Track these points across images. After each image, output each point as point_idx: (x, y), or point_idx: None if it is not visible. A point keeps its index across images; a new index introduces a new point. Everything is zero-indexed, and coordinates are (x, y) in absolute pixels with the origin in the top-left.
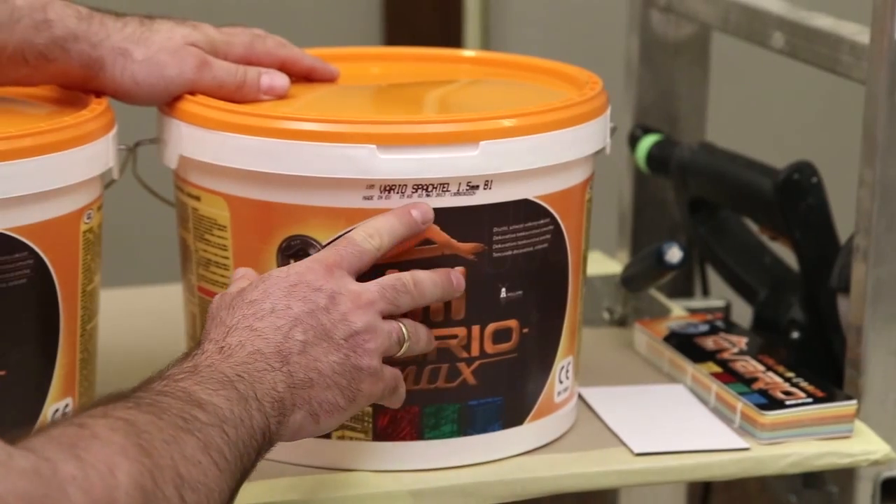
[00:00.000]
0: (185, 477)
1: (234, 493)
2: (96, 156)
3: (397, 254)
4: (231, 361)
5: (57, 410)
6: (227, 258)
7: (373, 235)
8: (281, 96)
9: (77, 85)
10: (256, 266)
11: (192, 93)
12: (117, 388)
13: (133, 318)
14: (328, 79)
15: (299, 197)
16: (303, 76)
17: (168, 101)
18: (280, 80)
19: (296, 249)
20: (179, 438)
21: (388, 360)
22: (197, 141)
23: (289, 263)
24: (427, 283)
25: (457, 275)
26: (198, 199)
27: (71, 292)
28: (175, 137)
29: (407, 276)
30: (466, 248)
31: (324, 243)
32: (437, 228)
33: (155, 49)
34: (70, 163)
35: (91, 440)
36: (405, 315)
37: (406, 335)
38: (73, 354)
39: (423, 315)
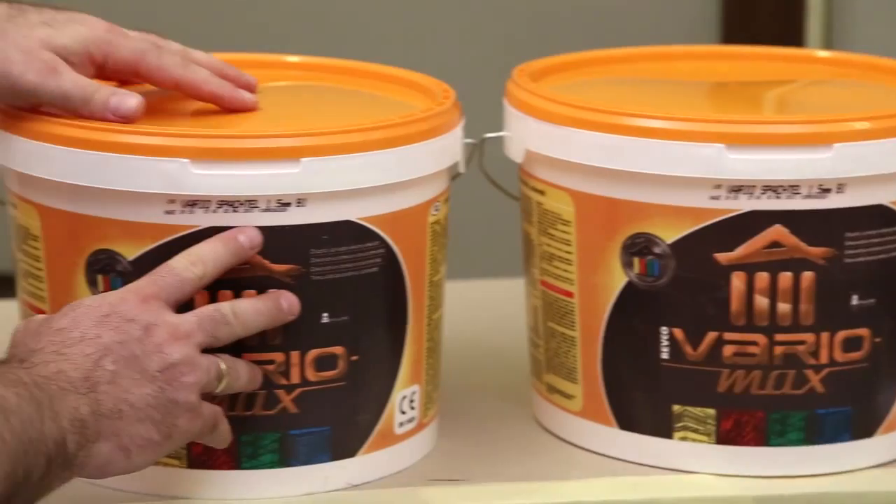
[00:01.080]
0: None
1: (13, 489)
2: (445, 149)
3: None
4: (31, 371)
5: (405, 397)
6: (570, 253)
7: (195, 263)
8: (128, 119)
9: None
10: (596, 262)
11: (38, 99)
12: (459, 379)
13: (476, 310)
14: (240, 109)
15: (644, 194)
16: (206, 101)
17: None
18: (130, 102)
19: (640, 247)
20: None
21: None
22: (544, 135)
23: (631, 262)
24: (249, 312)
25: (289, 298)
26: (542, 193)
27: (419, 282)
28: (522, 132)
29: (226, 307)
30: (817, 252)
31: (668, 242)
32: None
33: (6, 43)
34: (421, 155)
35: None
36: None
37: (224, 370)
38: (420, 343)
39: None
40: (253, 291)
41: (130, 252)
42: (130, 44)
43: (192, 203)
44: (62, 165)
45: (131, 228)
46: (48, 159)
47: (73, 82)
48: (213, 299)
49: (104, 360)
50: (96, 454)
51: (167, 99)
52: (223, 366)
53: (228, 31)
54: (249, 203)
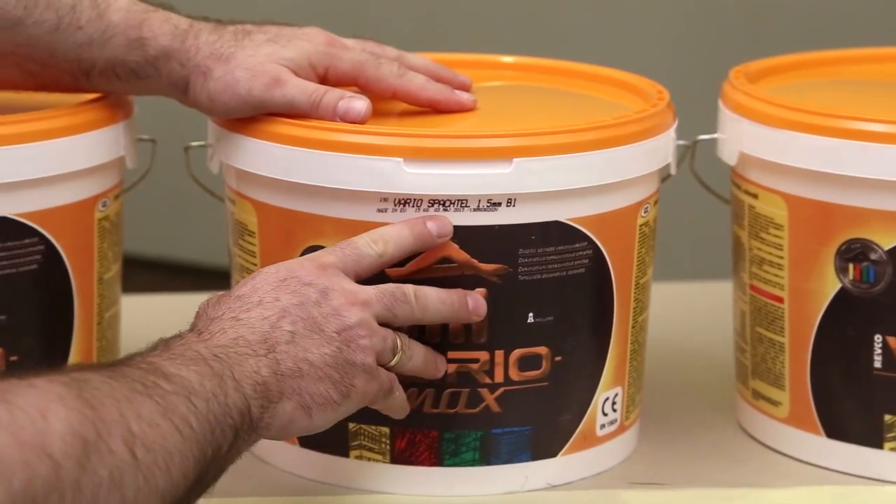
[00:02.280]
0: (137, 435)
1: (204, 468)
2: (657, 151)
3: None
4: (209, 343)
5: (607, 399)
6: (781, 258)
7: (377, 241)
8: (358, 122)
9: (168, 95)
10: (808, 267)
11: (268, 110)
12: (663, 382)
13: (682, 313)
14: (457, 110)
15: (862, 199)
16: (425, 107)
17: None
18: (358, 105)
19: (855, 253)
20: (135, 399)
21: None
22: (759, 138)
23: (846, 268)
24: (431, 297)
25: (476, 299)
26: (755, 196)
27: (625, 284)
28: (736, 134)
29: (409, 287)
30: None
31: (886, 248)
32: None
33: (233, 66)
34: (632, 157)
35: (26, 388)
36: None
37: (399, 345)
38: (624, 345)
39: None
40: None
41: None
42: (350, 56)
43: (405, 202)
44: (279, 163)
45: (344, 226)
46: (266, 157)
47: (299, 89)
48: None
49: (282, 321)
50: (280, 414)
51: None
52: (399, 340)
53: (441, 32)
54: (460, 202)
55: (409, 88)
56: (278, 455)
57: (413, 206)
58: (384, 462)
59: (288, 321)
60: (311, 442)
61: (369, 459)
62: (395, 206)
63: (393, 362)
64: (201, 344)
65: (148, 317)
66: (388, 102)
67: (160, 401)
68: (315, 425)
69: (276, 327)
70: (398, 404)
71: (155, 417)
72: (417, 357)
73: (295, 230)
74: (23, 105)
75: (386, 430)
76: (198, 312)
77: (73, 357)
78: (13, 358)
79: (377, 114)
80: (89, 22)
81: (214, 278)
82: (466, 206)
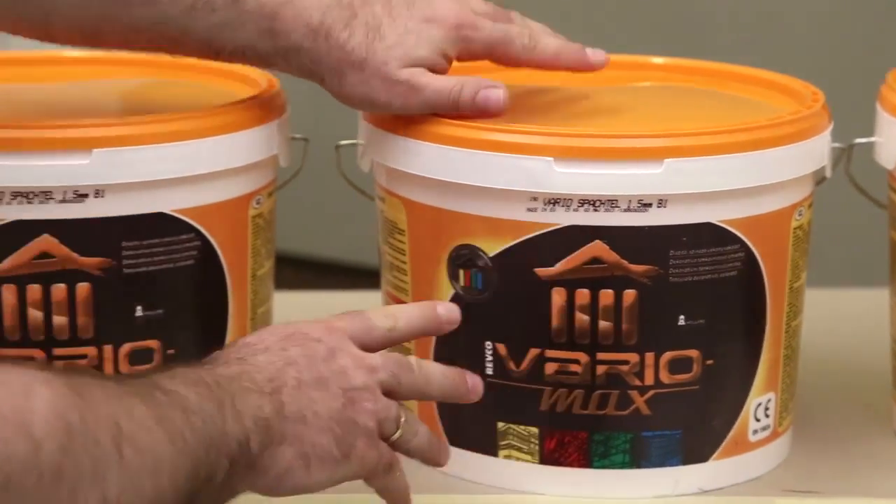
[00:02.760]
0: (126, 433)
1: (196, 489)
2: (811, 153)
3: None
4: (212, 371)
5: (759, 404)
6: None
7: (388, 316)
8: (495, 114)
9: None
10: None
11: (409, 115)
12: (816, 389)
13: (836, 319)
14: (591, 69)
15: None
16: (558, 70)
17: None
18: (495, 94)
19: None
20: (127, 400)
21: None
22: None
23: None
24: (435, 370)
25: (474, 381)
26: None
27: (778, 287)
28: (894, 137)
29: (413, 358)
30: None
31: None
32: None
33: (368, 74)
34: (786, 159)
35: (11, 367)
36: None
37: (403, 420)
38: (777, 350)
39: None
40: (610, 292)
41: (492, 248)
42: (480, 35)
43: (554, 201)
44: (431, 161)
45: (494, 225)
46: (417, 155)
47: (436, 91)
48: (570, 297)
49: (289, 368)
50: (280, 458)
51: (530, 94)
52: (404, 415)
53: (593, 33)
54: (610, 202)
55: (543, 59)
56: None
57: (563, 206)
58: (533, 462)
59: (294, 369)
60: (460, 439)
61: (518, 459)
62: (545, 205)
63: (396, 436)
64: (204, 371)
65: (297, 314)
66: (531, 98)
67: (155, 408)
68: (311, 482)
69: (283, 372)
70: (400, 487)
71: (147, 421)
72: (422, 435)
73: (444, 228)
74: (178, 103)
75: (535, 430)
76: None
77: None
78: (170, 351)
79: (523, 112)
80: (224, 6)
81: (359, 276)
82: (616, 207)
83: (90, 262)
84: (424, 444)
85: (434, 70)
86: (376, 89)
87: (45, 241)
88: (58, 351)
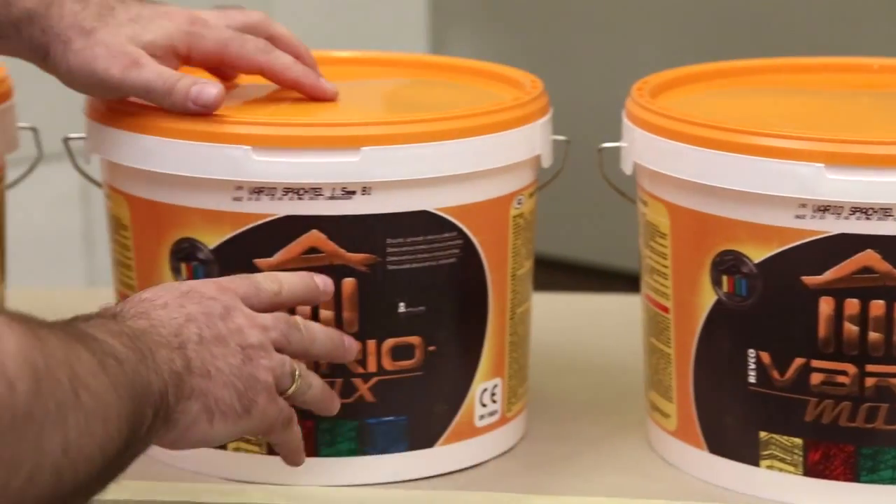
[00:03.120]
0: (80, 376)
1: (130, 440)
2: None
3: None
4: (125, 325)
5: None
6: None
7: (274, 281)
8: (210, 109)
9: (33, 62)
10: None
11: (123, 92)
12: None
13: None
14: (320, 97)
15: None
16: (289, 87)
17: (108, 98)
18: (210, 91)
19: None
20: (75, 346)
21: None
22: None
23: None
24: (318, 332)
25: (350, 341)
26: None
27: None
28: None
29: (299, 318)
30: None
31: None
32: None
33: (93, 41)
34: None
35: None
36: None
37: (297, 373)
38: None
39: None
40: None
41: (758, 254)
42: (213, 34)
43: (825, 209)
44: (694, 165)
45: (760, 231)
46: (680, 158)
47: (156, 74)
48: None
49: (190, 324)
50: (188, 411)
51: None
52: (297, 368)
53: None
54: (884, 211)
55: (274, 66)
56: (688, 459)
57: (833, 214)
58: (796, 474)
59: (195, 326)
60: (722, 448)
61: (780, 470)
62: (815, 212)
63: (291, 389)
64: (118, 325)
65: (551, 316)
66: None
67: (95, 354)
68: (214, 434)
69: (185, 328)
70: (295, 440)
71: (93, 367)
72: (316, 388)
73: (708, 233)
74: (443, 103)
75: (799, 441)
76: (98, 312)
77: (487, 351)
78: (431, 348)
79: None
80: None
81: (609, 279)
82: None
83: (356, 257)
84: (318, 395)
85: (158, 60)
86: (99, 56)
87: (314, 237)
88: None
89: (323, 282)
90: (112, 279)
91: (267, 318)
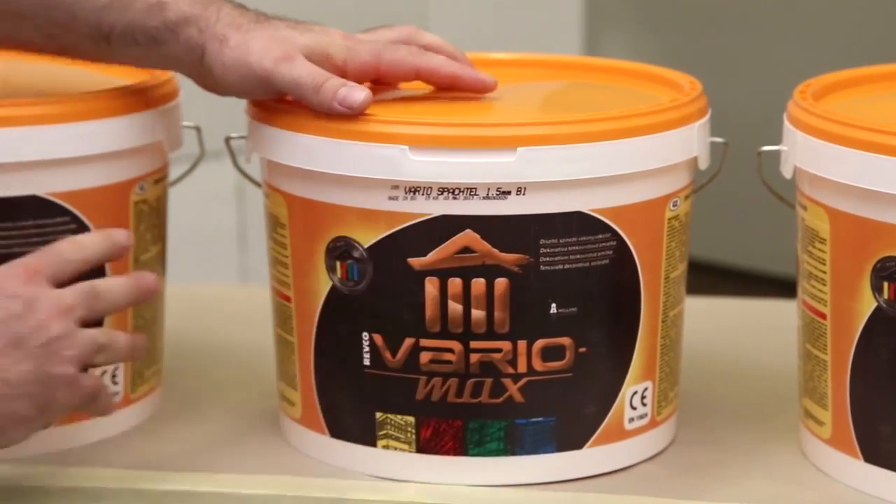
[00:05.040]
0: None
1: None
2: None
3: None
4: None
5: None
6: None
7: (79, 250)
8: (355, 112)
9: (185, 70)
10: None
11: (273, 86)
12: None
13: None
14: (479, 88)
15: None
16: (446, 87)
17: (257, 97)
18: (358, 94)
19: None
20: None
21: None
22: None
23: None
24: (117, 289)
25: (147, 278)
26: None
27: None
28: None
29: (99, 282)
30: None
31: None
32: None
33: (249, 37)
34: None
35: None
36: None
37: (102, 344)
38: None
39: None
40: None
41: None
42: (367, 46)
43: None
44: (854, 168)
45: None
46: (840, 162)
47: (307, 70)
48: None
49: None
50: None
51: None
52: (101, 339)
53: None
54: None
55: (430, 65)
56: (842, 468)
57: None
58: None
59: None
60: (877, 458)
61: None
62: None
63: (99, 359)
64: None
65: (703, 319)
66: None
67: None
68: (8, 440)
69: None
70: (104, 407)
71: None
72: (122, 346)
73: (868, 239)
74: (600, 105)
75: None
76: None
77: (638, 354)
78: (582, 349)
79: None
80: None
81: (764, 285)
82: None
83: (509, 258)
84: (128, 352)
85: (312, 62)
86: (254, 50)
87: (468, 237)
88: (474, 344)
89: (125, 235)
90: (268, 277)
91: (71, 296)
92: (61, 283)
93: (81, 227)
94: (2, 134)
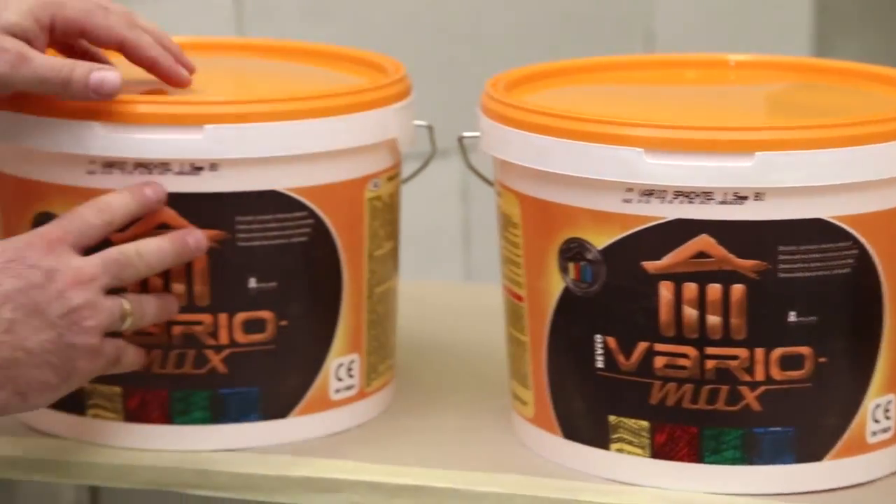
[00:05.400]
0: None
1: None
2: None
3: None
4: None
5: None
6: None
7: (103, 210)
8: (110, 96)
9: None
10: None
11: (16, 88)
12: None
13: None
14: (172, 82)
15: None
16: (146, 68)
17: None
18: (112, 77)
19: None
20: None
21: None
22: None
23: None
24: (153, 250)
25: (195, 235)
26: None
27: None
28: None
29: (130, 248)
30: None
31: None
32: None
33: None
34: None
35: None
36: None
37: (128, 310)
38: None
39: None
40: None
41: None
42: (75, 3)
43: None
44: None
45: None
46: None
47: (48, 66)
48: None
49: (2, 308)
50: None
51: None
52: (127, 305)
53: None
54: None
55: (139, 43)
56: None
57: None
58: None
59: (9, 308)
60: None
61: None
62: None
63: (125, 326)
64: None
65: None
66: None
67: None
68: (32, 406)
69: None
70: (129, 365)
71: None
72: (150, 314)
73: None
74: (818, 108)
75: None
76: None
77: (881, 365)
78: (822, 359)
79: None
80: None
81: None
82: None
83: (746, 264)
84: (155, 315)
85: (32, 43)
86: None
87: (704, 241)
88: (710, 350)
89: (154, 191)
90: (493, 275)
91: (96, 265)
92: (88, 249)
93: (318, 223)
94: (244, 130)
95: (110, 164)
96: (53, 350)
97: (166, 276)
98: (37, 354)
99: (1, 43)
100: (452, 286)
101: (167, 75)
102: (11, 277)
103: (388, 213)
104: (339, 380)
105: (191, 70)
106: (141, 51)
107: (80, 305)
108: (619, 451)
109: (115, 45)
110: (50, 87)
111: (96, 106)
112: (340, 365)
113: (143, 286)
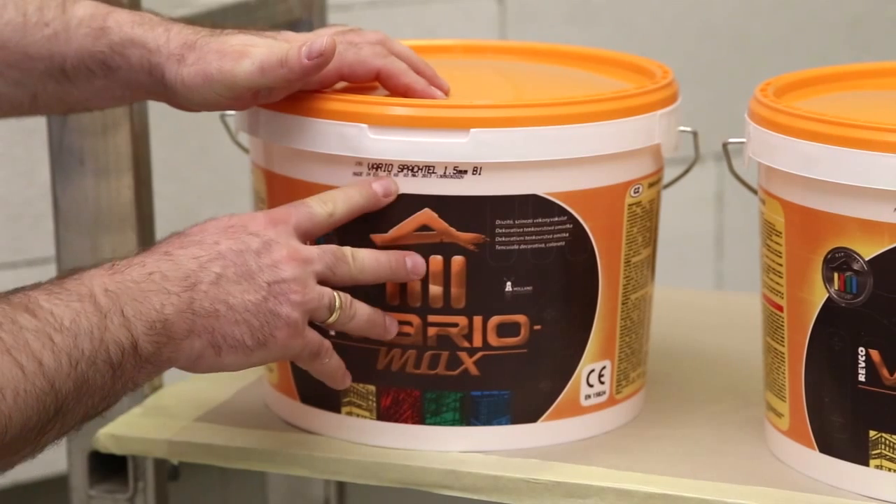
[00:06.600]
0: None
1: (60, 401)
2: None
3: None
4: (113, 277)
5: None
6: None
7: (327, 202)
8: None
9: (154, 95)
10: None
11: (243, 85)
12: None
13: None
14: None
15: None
16: (401, 94)
17: (237, 104)
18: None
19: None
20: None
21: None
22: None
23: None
24: (368, 259)
25: (414, 258)
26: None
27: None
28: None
29: (348, 249)
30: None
31: None
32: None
33: (205, 51)
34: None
35: None
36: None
37: (338, 303)
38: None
39: None
40: None
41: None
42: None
43: None
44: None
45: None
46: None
47: (266, 53)
48: None
49: (213, 263)
50: (187, 349)
51: None
52: (337, 299)
53: None
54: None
55: (392, 71)
56: None
57: None
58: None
59: (219, 264)
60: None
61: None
62: None
63: (331, 319)
64: (102, 279)
65: None
66: None
67: (6, 336)
68: (224, 364)
69: (204, 268)
70: (329, 371)
71: (17, 341)
72: (360, 317)
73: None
74: None
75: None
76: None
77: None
78: None
79: None
80: (55, 18)
81: None
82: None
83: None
84: (363, 324)
85: (282, 91)
86: (210, 60)
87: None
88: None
89: (383, 185)
90: (759, 284)
91: (313, 250)
92: (309, 239)
93: (577, 228)
94: (510, 134)
95: (376, 166)
96: (254, 311)
97: (425, 279)
98: (237, 311)
99: (230, 44)
100: (704, 294)
101: (423, 94)
102: (230, 239)
103: (647, 220)
104: (590, 386)
105: (445, 91)
106: (395, 79)
107: (290, 278)
108: (879, 467)
109: (371, 77)
110: (273, 74)
111: (365, 109)
112: (592, 371)
113: (384, 293)
